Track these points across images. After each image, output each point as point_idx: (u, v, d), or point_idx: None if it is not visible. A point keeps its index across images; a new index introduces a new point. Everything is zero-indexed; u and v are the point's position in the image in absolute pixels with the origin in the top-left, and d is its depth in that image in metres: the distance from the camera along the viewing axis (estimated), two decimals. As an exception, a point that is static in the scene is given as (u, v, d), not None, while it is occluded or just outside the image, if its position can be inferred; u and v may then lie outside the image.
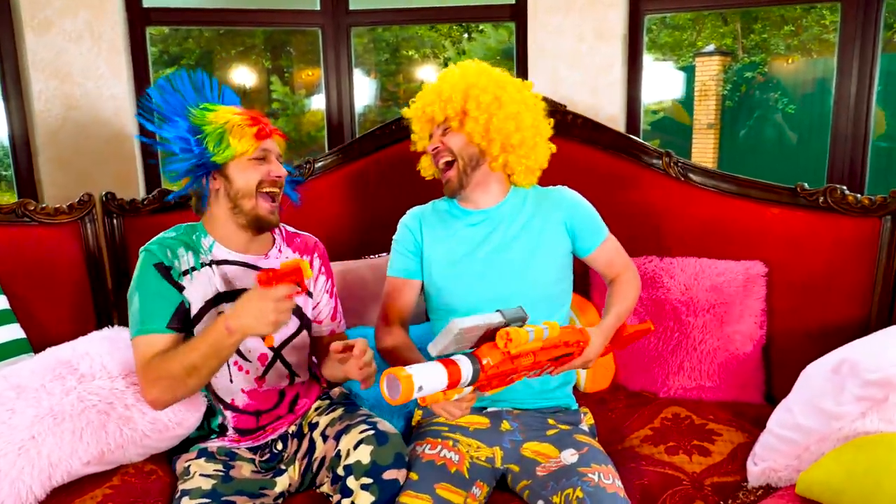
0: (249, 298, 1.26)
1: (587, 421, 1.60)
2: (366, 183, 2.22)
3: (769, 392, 1.87)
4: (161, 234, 1.49)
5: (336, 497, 1.32)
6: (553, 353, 1.25)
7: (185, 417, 1.40)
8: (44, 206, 1.90)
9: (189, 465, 1.41)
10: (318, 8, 2.60)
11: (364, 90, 9.85)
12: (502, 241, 1.57)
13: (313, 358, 1.65)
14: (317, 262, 1.62)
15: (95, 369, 1.38)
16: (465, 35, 10.65)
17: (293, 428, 1.54)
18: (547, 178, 1.67)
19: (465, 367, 1.13)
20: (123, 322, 1.97)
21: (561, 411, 1.59)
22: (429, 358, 1.20)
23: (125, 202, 2.02)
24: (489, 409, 1.55)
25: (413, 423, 1.65)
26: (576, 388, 1.86)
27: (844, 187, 1.81)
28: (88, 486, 1.37)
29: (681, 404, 1.76)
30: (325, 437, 1.44)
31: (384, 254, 1.88)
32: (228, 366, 1.46)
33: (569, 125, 2.08)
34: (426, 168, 1.67)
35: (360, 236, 2.18)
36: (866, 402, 1.25)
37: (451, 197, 1.60)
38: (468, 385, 1.15)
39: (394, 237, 1.66)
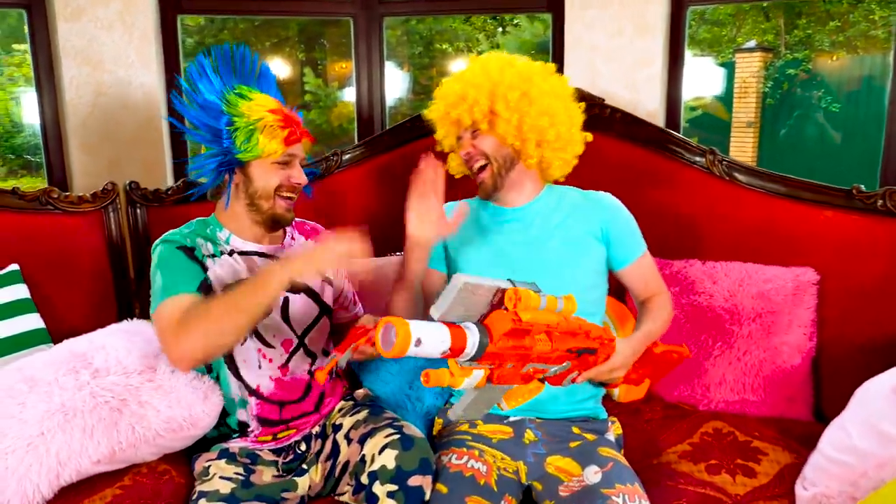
0: (307, 245, 1.33)
1: (614, 430, 1.52)
2: (393, 177, 2.15)
3: (818, 408, 1.76)
4: (173, 230, 1.46)
5: None
6: (572, 341, 1.14)
7: (199, 418, 1.35)
8: (67, 194, 1.88)
9: (209, 466, 1.37)
10: (351, -3, 2.55)
11: (396, 83, 9.81)
12: (534, 239, 1.50)
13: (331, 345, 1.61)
14: None
15: (111, 364, 1.34)
16: (500, 29, 10.54)
17: (317, 428, 1.50)
18: (583, 174, 1.59)
19: (471, 333, 1.01)
20: (145, 314, 1.92)
21: (588, 420, 1.51)
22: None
23: (149, 192, 1.99)
24: (512, 418, 1.48)
25: (434, 433, 1.59)
26: (609, 398, 1.78)
27: (906, 190, 1.70)
28: (98, 485, 1.33)
29: (722, 418, 1.66)
30: (349, 440, 1.39)
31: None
32: (256, 353, 1.43)
33: (606, 119, 1.99)
34: (455, 167, 1.59)
35: (387, 231, 2.11)
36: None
37: (486, 199, 1.54)
38: (473, 358, 1.03)
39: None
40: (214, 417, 1.39)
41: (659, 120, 2.33)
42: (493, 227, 1.54)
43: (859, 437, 1.25)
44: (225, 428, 1.46)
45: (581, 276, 1.48)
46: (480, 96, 1.43)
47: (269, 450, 1.46)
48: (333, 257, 1.24)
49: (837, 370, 1.75)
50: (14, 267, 1.74)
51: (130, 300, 1.97)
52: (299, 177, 1.46)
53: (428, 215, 1.42)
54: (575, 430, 1.47)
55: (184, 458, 1.46)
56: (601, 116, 1.98)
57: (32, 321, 1.69)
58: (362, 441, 1.33)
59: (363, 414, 1.46)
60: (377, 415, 1.45)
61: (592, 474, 1.30)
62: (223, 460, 1.39)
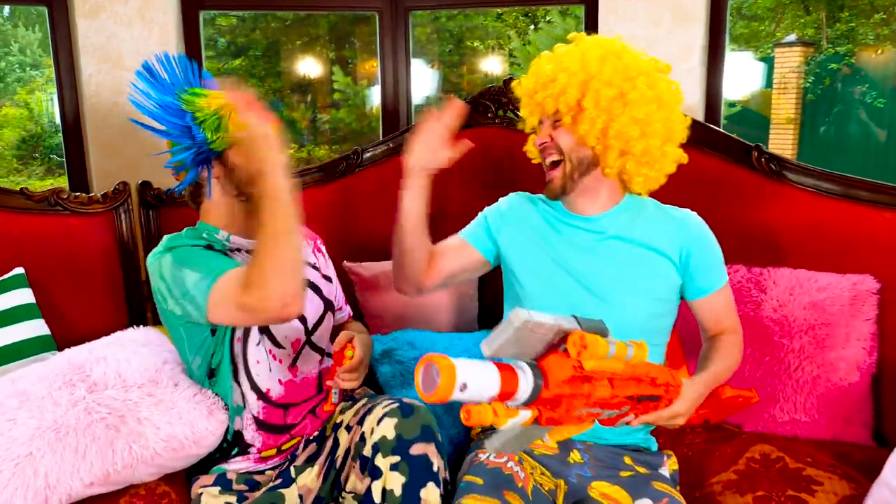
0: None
1: (670, 466, 1.37)
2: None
3: (878, 431, 1.62)
4: (168, 238, 1.36)
5: (365, 482, 1.20)
6: (635, 388, 1.01)
7: (202, 436, 1.26)
8: (77, 194, 1.82)
9: (202, 495, 1.30)
10: (376, -9, 2.47)
11: (426, 81, 9.73)
12: (601, 254, 1.35)
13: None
14: (323, 248, 1.59)
15: (109, 377, 1.26)
16: (532, 26, 10.41)
17: (315, 433, 1.42)
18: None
19: (525, 378, 0.90)
20: (157, 321, 1.87)
21: (640, 451, 1.37)
22: (480, 356, 0.97)
23: (162, 192, 1.92)
24: None
25: (472, 435, 1.49)
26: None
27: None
28: (91, 508, 1.25)
29: (771, 441, 1.52)
30: (348, 429, 1.32)
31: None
32: (267, 354, 1.36)
33: (644, 115, 1.87)
34: (532, 151, 1.44)
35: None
36: None
37: (552, 200, 1.38)
38: (525, 403, 0.92)
39: (489, 206, 1.50)
40: (219, 436, 1.31)
41: (698, 115, 2.22)
42: (557, 231, 1.39)
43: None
44: (224, 442, 1.38)
45: (648, 301, 1.33)
46: (571, 85, 1.28)
47: (271, 468, 1.38)
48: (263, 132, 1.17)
49: (901, 389, 1.61)
50: (19, 270, 1.69)
51: (143, 305, 1.91)
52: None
53: (428, 141, 1.30)
54: (627, 459, 1.34)
55: (186, 479, 1.38)
56: (637, 111, 1.86)
57: (37, 327, 1.63)
58: (361, 421, 1.27)
59: (362, 401, 1.39)
60: (375, 396, 1.39)
61: None
62: (217, 488, 1.31)
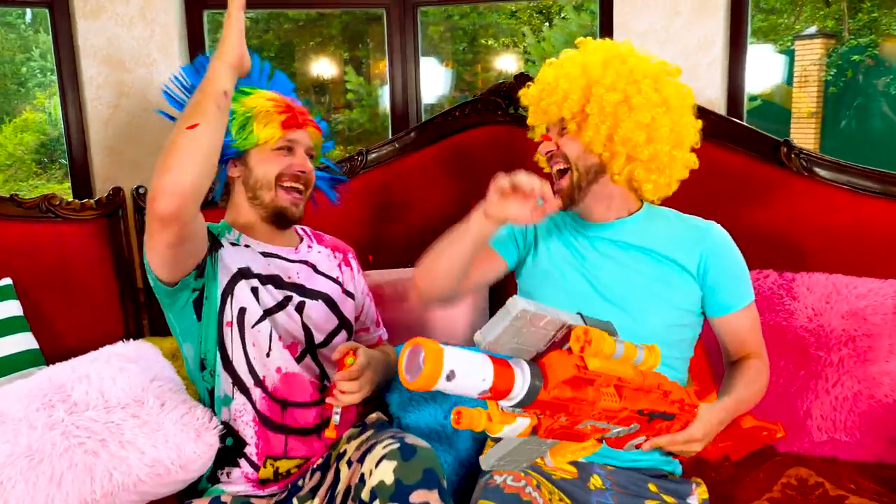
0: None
1: (700, 495, 1.26)
2: (426, 177, 1.98)
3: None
4: None
5: None
6: (646, 401, 0.91)
7: (190, 460, 1.17)
8: (69, 200, 1.76)
9: None
10: (384, -13, 2.40)
11: (438, 80, 9.66)
12: (619, 260, 1.29)
13: None
14: (353, 263, 1.54)
15: (91, 396, 1.18)
16: (546, 23, 10.31)
17: (320, 460, 1.32)
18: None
19: (522, 374, 0.81)
20: (156, 331, 1.83)
21: (664, 476, 1.27)
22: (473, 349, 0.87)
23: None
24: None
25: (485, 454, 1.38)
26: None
27: None
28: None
29: (808, 464, 1.40)
30: (349, 464, 1.23)
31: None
32: (270, 336, 1.32)
33: (664, 110, 1.76)
34: (542, 160, 1.39)
35: (418, 238, 1.94)
36: None
37: (563, 210, 1.31)
38: (521, 405, 0.81)
39: None
40: (208, 460, 1.22)
41: (720, 109, 2.12)
42: (573, 236, 1.35)
43: None
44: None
45: (666, 310, 1.25)
46: (573, 91, 1.24)
47: (269, 494, 1.30)
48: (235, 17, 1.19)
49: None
50: (6, 281, 1.62)
51: (139, 315, 1.84)
52: (302, 164, 1.38)
53: (520, 198, 1.15)
54: (651, 487, 1.24)
55: (177, 502, 1.29)
56: (657, 106, 1.75)
57: (24, 342, 1.56)
58: (362, 459, 1.17)
59: (368, 433, 1.30)
60: (381, 430, 1.29)
61: None
62: None
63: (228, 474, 1.29)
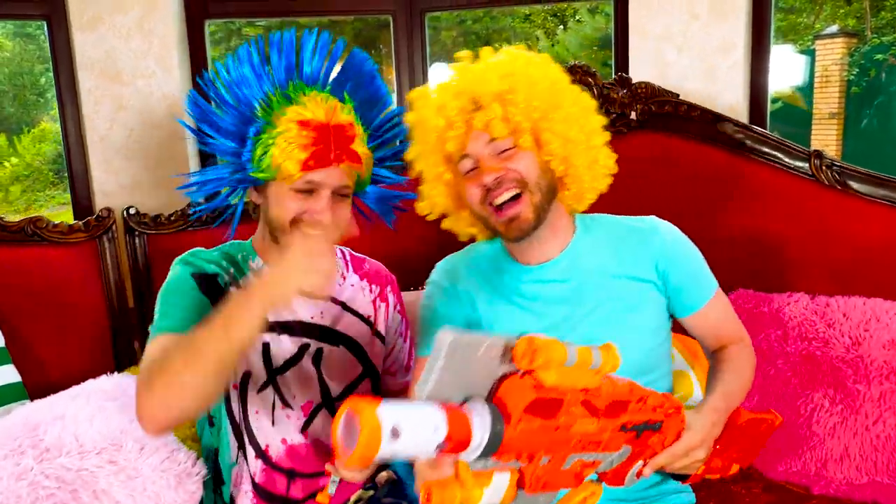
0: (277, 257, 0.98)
1: None
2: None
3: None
4: (200, 248, 1.20)
5: None
6: (625, 414, 0.79)
7: (171, 510, 1.09)
8: (57, 223, 1.68)
9: None
10: (391, -8, 2.33)
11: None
12: (577, 304, 1.13)
13: None
14: (391, 298, 1.32)
15: (65, 441, 1.09)
16: (561, 26, 10.21)
17: None
18: (655, 187, 1.26)
19: (478, 414, 0.68)
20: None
21: None
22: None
23: (149, 218, 1.77)
24: None
25: None
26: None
27: None
28: None
29: (846, 508, 1.30)
30: None
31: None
32: (273, 404, 1.17)
33: (683, 118, 1.66)
34: (462, 226, 1.18)
35: (410, 262, 1.83)
36: None
37: (521, 238, 1.11)
38: (487, 453, 0.68)
39: (423, 302, 1.22)
40: None
41: (742, 115, 2.01)
42: (524, 295, 1.15)
43: None
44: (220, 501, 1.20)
45: (641, 337, 1.13)
46: (535, 96, 1.05)
47: None
48: (316, 275, 0.94)
49: None
50: (-12, 310, 1.55)
51: (130, 343, 1.76)
52: (321, 210, 1.12)
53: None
54: None
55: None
56: (675, 115, 1.65)
57: (6, 374, 1.49)
58: None
59: (378, 495, 1.19)
60: (394, 495, 1.19)
61: None
62: None
63: None
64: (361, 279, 1.29)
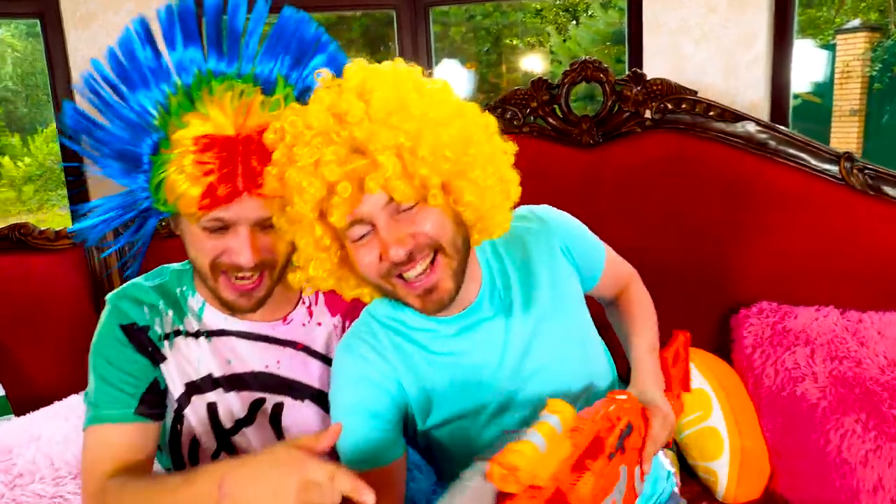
0: (265, 464, 0.73)
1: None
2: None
3: None
4: (138, 280, 1.02)
5: None
6: (602, 447, 0.77)
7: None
8: (43, 229, 1.61)
9: None
10: (393, -14, 2.26)
11: (460, 83, 9.51)
12: (515, 335, 0.97)
13: None
14: None
15: (39, 464, 1.02)
16: (573, 21, 10.07)
17: None
18: (671, 190, 1.17)
19: None
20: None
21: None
22: None
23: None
24: None
25: None
26: (712, 497, 1.33)
27: None
28: None
29: (883, 548, 1.18)
30: None
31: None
32: None
33: (702, 118, 1.55)
34: (320, 283, 0.91)
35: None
36: None
37: (438, 311, 0.90)
38: None
39: (334, 382, 0.97)
40: None
41: (763, 113, 1.91)
42: (450, 352, 0.96)
43: None
44: None
45: (588, 325, 1.05)
46: (429, 144, 0.81)
47: None
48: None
49: None
50: (-34, 322, 1.48)
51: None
52: (239, 253, 0.89)
53: None
54: None
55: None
56: (692, 113, 1.55)
57: (-16, 389, 1.42)
58: None
59: None
60: None
61: None
62: None
63: None
64: (333, 315, 1.08)
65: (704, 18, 1.88)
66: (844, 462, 1.25)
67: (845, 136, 9.30)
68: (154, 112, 0.88)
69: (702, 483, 1.40)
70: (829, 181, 1.45)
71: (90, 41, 2.06)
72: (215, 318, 1.01)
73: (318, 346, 1.05)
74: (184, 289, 1.02)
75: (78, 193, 2.06)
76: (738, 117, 1.55)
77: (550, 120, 1.66)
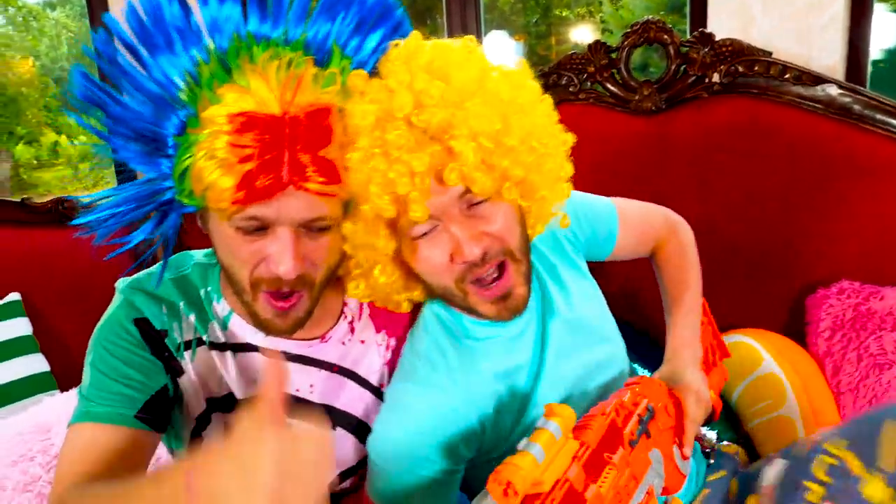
0: (232, 443, 0.56)
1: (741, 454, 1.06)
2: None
3: None
4: (155, 270, 0.89)
5: None
6: (618, 434, 0.73)
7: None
8: (86, 202, 1.59)
9: None
10: (441, -49, 2.18)
11: (509, 56, 9.37)
12: (565, 323, 0.93)
13: None
14: None
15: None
16: (625, -11, 9.76)
17: None
18: (743, 160, 1.10)
19: None
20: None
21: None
22: None
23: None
24: None
25: None
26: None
27: None
28: None
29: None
30: None
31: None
32: None
33: (777, 81, 1.44)
34: (381, 295, 0.86)
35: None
36: None
37: (512, 318, 0.84)
38: None
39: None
40: None
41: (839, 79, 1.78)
42: (508, 355, 0.89)
43: None
44: None
45: (609, 318, 1.02)
46: (514, 133, 0.75)
47: None
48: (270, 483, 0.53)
49: None
50: (14, 297, 1.49)
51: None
52: (279, 260, 0.75)
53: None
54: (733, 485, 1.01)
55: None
56: (766, 76, 1.44)
57: (34, 363, 1.43)
58: None
59: None
60: None
61: None
62: None
63: None
64: (378, 331, 0.94)
65: (772, -21, 1.76)
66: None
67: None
68: (181, 83, 0.73)
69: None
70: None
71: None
72: (242, 329, 0.88)
73: (359, 369, 0.93)
74: (209, 289, 0.89)
75: (123, 170, 2.04)
76: (818, 80, 1.43)
77: (609, 85, 1.57)
